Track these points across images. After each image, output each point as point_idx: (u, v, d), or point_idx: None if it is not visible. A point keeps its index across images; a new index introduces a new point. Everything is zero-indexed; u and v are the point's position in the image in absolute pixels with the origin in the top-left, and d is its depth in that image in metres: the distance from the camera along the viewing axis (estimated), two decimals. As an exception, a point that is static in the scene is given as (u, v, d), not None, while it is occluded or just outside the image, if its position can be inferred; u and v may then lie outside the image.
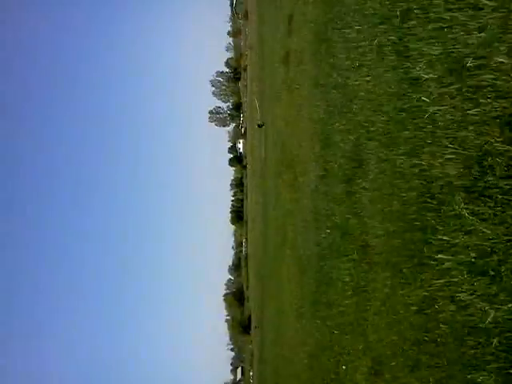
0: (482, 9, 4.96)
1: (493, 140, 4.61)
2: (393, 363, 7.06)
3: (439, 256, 5.57)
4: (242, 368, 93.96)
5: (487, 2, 4.82)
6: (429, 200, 5.91)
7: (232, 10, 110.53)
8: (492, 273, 4.52)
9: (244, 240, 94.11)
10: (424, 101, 6.19)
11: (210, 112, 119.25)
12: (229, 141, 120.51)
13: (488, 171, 4.65)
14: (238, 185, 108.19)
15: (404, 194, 6.81)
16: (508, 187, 4.35)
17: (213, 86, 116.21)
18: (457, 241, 5.17)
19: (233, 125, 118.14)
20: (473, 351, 4.83)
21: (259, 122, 37.97)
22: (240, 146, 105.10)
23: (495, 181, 4.53)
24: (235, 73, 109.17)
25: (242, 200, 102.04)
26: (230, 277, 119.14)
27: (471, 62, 5.08)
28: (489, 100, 4.74)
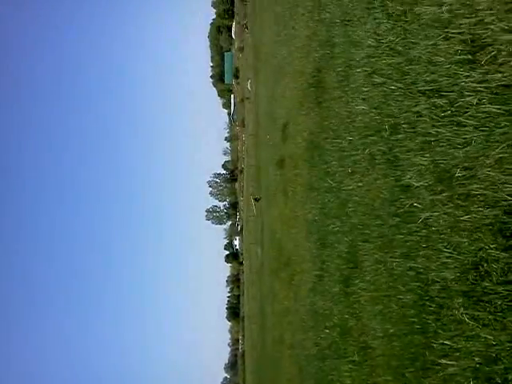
0: (465, 126, 5.21)
1: (487, 246, 4.64)
2: None
3: (442, 361, 5.37)
4: None
5: (469, 121, 5.08)
6: (428, 303, 5.81)
7: (230, 119, 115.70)
8: (499, 380, 4.33)
9: (240, 337, 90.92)
10: (416, 207, 6.30)
11: (207, 210, 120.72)
12: (225, 238, 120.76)
13: (485, 276, 4.63)
14: (235, 281, 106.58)
15: (402, 296, 6.70)
16: (507, 293, 4.31)
17: (210, 186, 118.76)
18: (459, 346, 5.02)
19: (229, 223, 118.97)
20: None
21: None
22: (236, 242, 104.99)
23: (493, 286, 4.49)
24: (232, 174, 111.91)
25: (238, 296, 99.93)
26: (226, 375, 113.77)
27: (459, 173, 5.24)
28: (479, 208, 4.84)
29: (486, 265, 4.63)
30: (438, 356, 5.49)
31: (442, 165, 5.70)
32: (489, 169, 4.72)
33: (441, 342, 5.40)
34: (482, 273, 4.67)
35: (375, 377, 7.77)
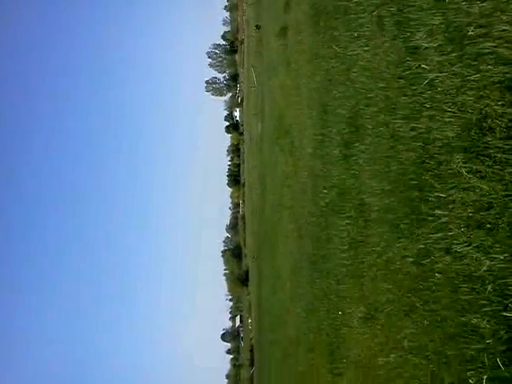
0: (484, -21, 4.82)
1: (493, 103, 4.55)
2: (388, 308, 7.17)
3: (436, 212, 5.58)
4: (241, 316, 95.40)
5: (490, -27, 4.68)
6: (427, 160, 5.88)
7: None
8: (489, 226, 4.54)
9: (241, 201, 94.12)
10: (423, 68, 6.08)
11: (207, 82, 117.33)
12: (225, 109, 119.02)
13: (487, 132, 4.61)
14: (235, 150, 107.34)
15: (402, 156, 6.77)
16: (508, 147, 4.33)
17: (209, 57, 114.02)
18: (454, 197, 5.18)
19: (229, 94, 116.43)
20: (467, 297, 4.90)
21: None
22: (237, 114, 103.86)
23: (495, 141, 4.49)
24: (232, 45, 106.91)
25: (238, 165, 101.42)
26: (227, 235, 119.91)
27: (472, 31, 4.97)
28: (489, 66, 4.66)
29: (490, 121, 4.58)
30: (432, 208, 5.70)
31: (454, 24, 5.38)
32: (504, 25, 4.46)
33: (436, 194, 5.56)
34: (485, 129, 4.65)
35: (370, 229, 8.16)
